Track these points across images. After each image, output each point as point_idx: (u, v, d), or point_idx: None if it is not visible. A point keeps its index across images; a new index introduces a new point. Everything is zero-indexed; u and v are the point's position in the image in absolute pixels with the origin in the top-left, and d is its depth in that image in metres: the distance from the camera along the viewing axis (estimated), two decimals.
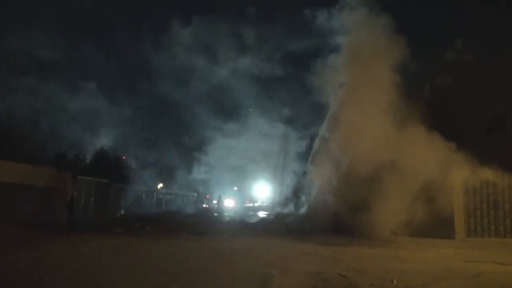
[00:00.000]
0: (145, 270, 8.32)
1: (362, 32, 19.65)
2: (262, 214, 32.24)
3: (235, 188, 53.89)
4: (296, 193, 26.73)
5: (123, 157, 41.98)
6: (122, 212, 23.44)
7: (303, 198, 23.00)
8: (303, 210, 21.68)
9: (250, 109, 34.93)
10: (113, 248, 11.85)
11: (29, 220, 15.38)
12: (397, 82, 17.93)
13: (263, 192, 48.73)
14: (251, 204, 50.97)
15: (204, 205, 46.59)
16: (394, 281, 7.31)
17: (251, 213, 34.04)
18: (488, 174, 15.67)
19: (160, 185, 40.44)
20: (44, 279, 7.33)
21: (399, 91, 17.60)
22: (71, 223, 16.45)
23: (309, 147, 24.07)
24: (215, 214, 24.96)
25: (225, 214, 30.86)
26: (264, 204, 46.32)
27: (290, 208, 25.33)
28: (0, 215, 13.85)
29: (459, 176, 15.77)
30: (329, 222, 17.29)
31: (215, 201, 43.41)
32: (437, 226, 15.35)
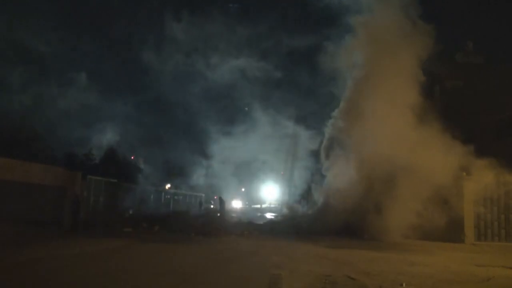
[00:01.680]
0: (152, 271, 8.37)
1: (385, 13, 18.39)
2: (270, 215, 32.22)
3: (243, 189, 53.96)
4: (305, 194, 26.38)
5: (132, 157, 42.30)
6: (131, 211, 23.57)
7: (315, 196, 22.46)
8: (312, 211, 21.43)
9: (246, 108, 34.76)
10: (121, 247, 11.91)
11: (40, 219, 15.54)
12: (420, 77, 17.17)
13: (271, 194, 48.70)
14: (258, 206, 50.95)
15: (212, 206, 46.70)
16: (404, 285, 7.26)
17: (258, 214, 34.03)
18: (498, 177, 15.50)
19: (168, 186, 40.61)
20: (50, 279, 7.40)
21: (421, 86, 16.96)
22: (76, 222, 16.69)
23: (321, 145, 23.69)
24: (218, 215, 24.77)
25: (233, 215, 30.85)
26: (272, 206, 46.30)
27: (298, 209, 25.00)
28: (11, 214, 13.98)
29: (469, 179, 15.62)
30: (338, 224, 17.02)
31: (212, 206, 42.98)
32: (447, 230, 15.19)
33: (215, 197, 50.86)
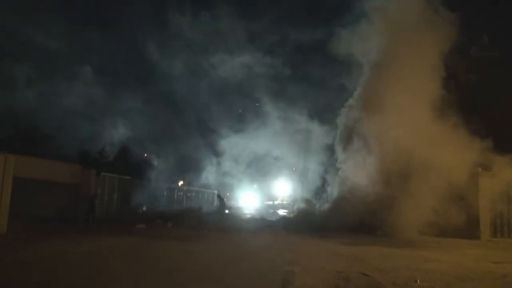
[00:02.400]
0: (166, 267, 8.42)
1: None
2: (282, 212, 32.18)
3: (255, 186, 53.97)
4: (319, 190, 25.96)
5: (145, 155, 42.64)
6: (144, 208, 23.80)
7: (329, 191, 22.08)
8: (325, 207, 21.20)
9: (257, 104, 34.58)
10: (134, 244, 12.02)
11: (55, 216, 15.81)
12: (440, 68, 16.57)
13: (283, 190, 48.63)
14: (271, 202, 50.95)
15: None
16: (418, 281, 7.19)
17: (271, 211, 34.03)
18: None
19: (180, 182, 40.87)
20: (63, 275, 7.51)
21: (441, 78, 16.41)
22: (90, 218, 16.97)
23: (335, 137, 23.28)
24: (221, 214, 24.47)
25: (245, 212, 30.92)
26: (285, 202, 46.24)
27: (313, 203, 24.51)
28: (28, 211, 14.24)
29: (485, 175, 15.39)
30: (352, 220, 16.83)
31: (215, 203, 42.92)
32: (462, 227, 14.97)
33: (227, 194, 51.11)
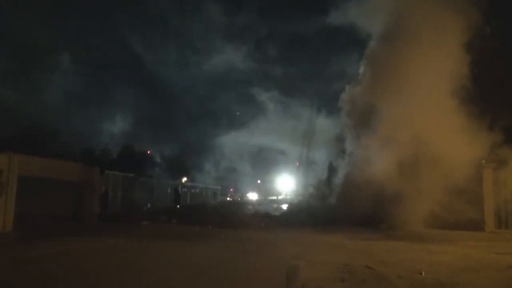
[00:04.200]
0: (171, 263, 8.46)
1: None
2: (286, 207, 32.23)
3: (259, 181, 54.14)
4: (324, 182, 25.53)
5: (148, 152, 42.83)
6: (149, 205, 23.89)
7: (336, 181, 21.65)
8: (329, 201, 21.06)
9: (238, 113, 34.48)
10: (139, 240, 12.08)
11: (60, 214, 15.91)
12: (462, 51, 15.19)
13: (286, 185, 48.73)
14: (275, 197, 51.08)
15: (228, 199, 47.04)
16: (423, 273, 7.21)
17: (275, 205, 34.11)
18: None
19: (184, 179, 41.03)
20: (69, 271, 7.57)
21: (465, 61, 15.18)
22: (103, 215, 17.14)
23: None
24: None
25: (249, 207, 31.00)
26: (288, 197, 46.36)
27: (320, 191, 23.88)
28: (33, 209, 14.32)
29: (489, 166, 15.33)
30: (356, 214, 16.68)
31: (228, 198, 42.47)
32: (467, 218, 14.89)
33: (231, 190, 51.29)
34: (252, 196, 51.67)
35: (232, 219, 18.26)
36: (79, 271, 7.41)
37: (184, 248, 10.66)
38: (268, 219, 19.15)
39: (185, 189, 33.52)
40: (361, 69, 20.12)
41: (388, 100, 16.51)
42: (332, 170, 23.56)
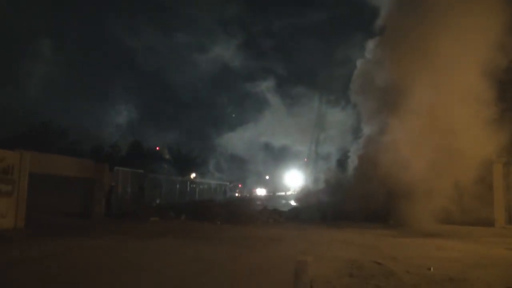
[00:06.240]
0: (179, 259, 8.51)
1: None
2: (294, 202, 32.21)
3: (267, 177, 54.15)
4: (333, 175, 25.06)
5: (157, 148, 43.09)
6: (158, 201, 24.04)
7: (348, 171, 21.21)
8: (338, 196, 20.85)
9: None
10: (147, 236, 12.17)
11: (71, 210, 16.11)
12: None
13: (295, 181, 48.64)
14: (283, 193, 51.05)
15: (237, 194, 47.17)
16: (431, 269, 7.19)
17: (283, 201, 34.10)
18: None
19: (193, 175, 41.20)
20: (78, 266, 7.67)
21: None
22: (109, 211, 17.29)
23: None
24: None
25: (258, 202, 31.04)
26: (297, 193, 46.28)
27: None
28: (44, 205, 14.49)
29: (499, 161, 15.18)
30: (365, 209, 16.63)
31: (237, 194, 42.19)
32: (476, 214, 14.77)
33: (239, 186, 51.38)
34: (261, 192, 51.72)
35: (241, 215, 18.29)
36: (84, 268, 7.49)
37: (192, 244, 10.72)
38: (277, 215, 19.14)
39: (194, 185, 33.66)
40: (370, 45, 19.25)
41: (415, 82, 15.22)
42: (343, 161, 23.04)
